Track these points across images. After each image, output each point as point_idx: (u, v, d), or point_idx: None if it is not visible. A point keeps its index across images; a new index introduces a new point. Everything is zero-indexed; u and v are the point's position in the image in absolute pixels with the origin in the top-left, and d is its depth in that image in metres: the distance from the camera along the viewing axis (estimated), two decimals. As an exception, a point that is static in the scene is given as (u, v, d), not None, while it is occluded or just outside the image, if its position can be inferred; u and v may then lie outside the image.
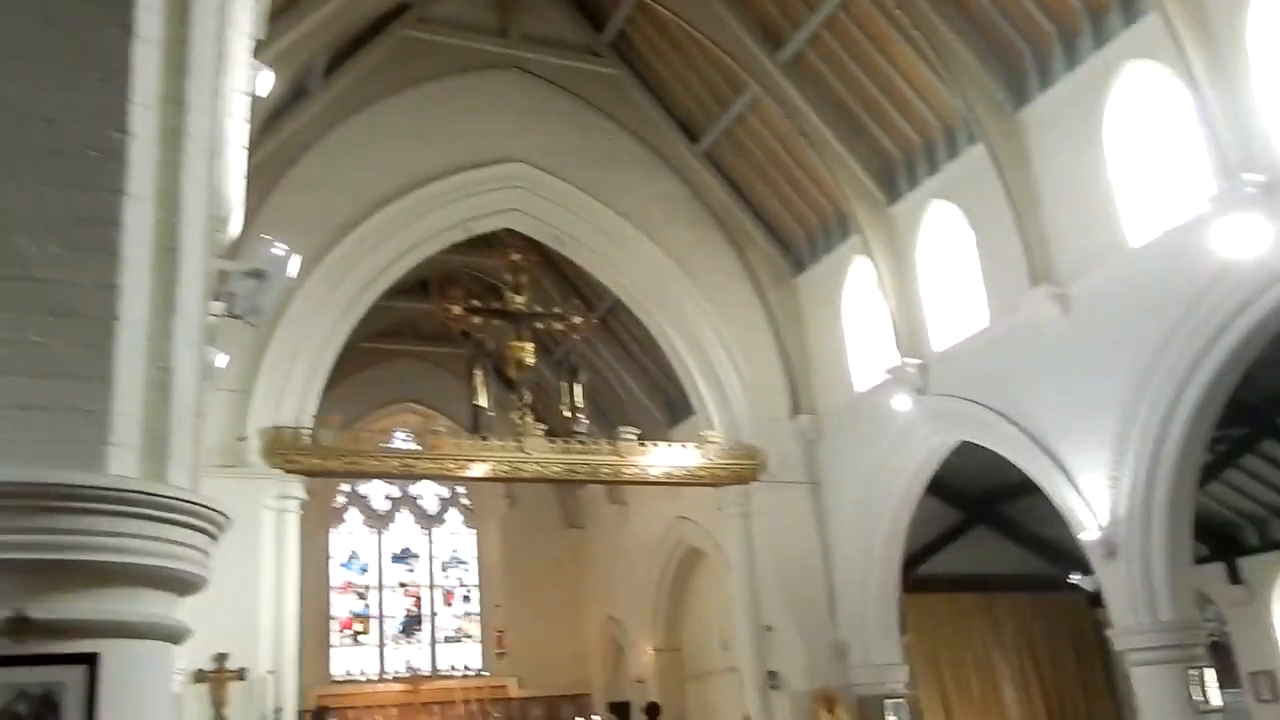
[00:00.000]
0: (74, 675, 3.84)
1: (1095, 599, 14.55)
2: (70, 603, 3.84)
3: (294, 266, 6.18)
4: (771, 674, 15.43)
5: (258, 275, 5.68)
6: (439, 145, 15.63)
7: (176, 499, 4.09)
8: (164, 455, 4.14)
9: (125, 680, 3.91)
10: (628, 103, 16.86)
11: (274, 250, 5.89)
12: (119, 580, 3.98)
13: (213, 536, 4.37)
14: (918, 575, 16.59)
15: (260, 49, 5.78)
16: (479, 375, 14.60)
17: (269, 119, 13.41)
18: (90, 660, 3.88)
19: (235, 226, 6.48)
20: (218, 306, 5.64)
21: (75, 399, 3.91)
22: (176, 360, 4.18)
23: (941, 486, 16.00)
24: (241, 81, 5.49)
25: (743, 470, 16.02)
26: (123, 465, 3.99)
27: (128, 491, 3.94)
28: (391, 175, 15.28)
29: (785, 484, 16.12)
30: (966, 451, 14.36)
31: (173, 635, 4.21)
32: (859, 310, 15.83)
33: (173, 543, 4.12)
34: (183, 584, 4.27)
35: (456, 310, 14.67)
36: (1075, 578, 13.15)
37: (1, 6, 3.87)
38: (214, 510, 4.28)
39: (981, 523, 17.41)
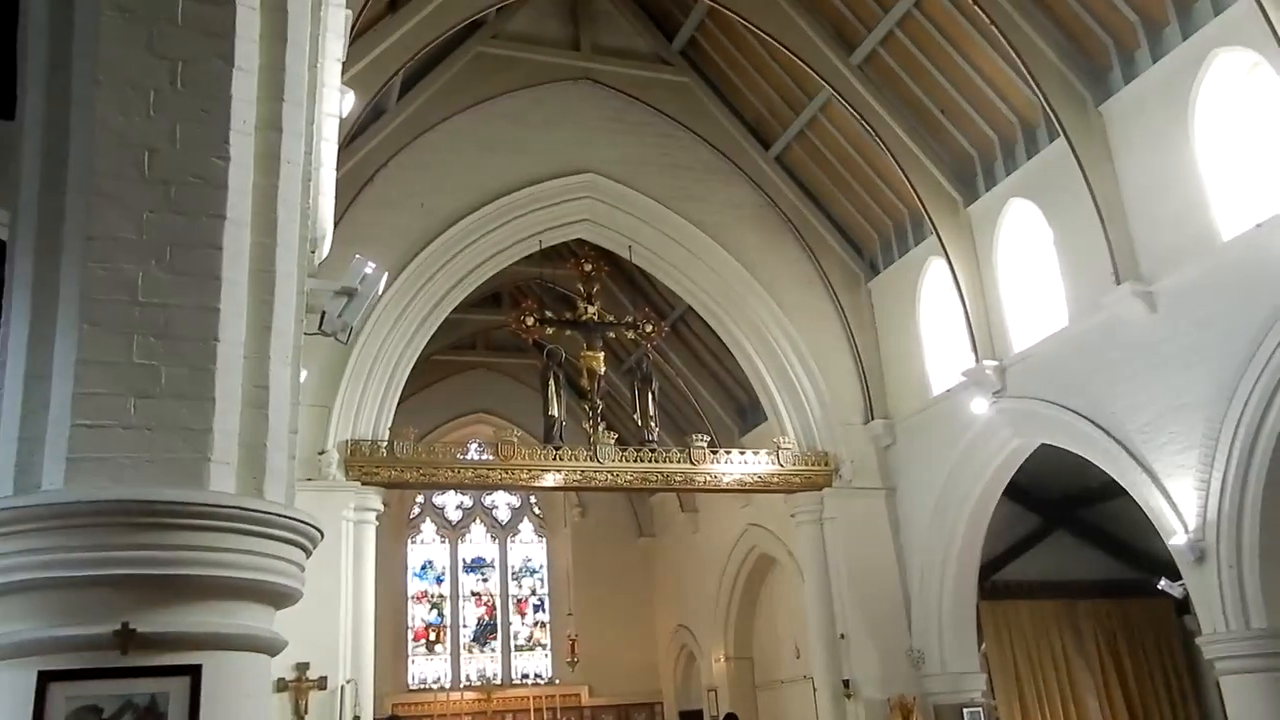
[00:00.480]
0: (177, 686, 3.97)
1: (1183, 606, 14.29)
2: (174, 616, 3.98)
3: (383, 284, 6.32)
4: (845, 683, 15.32)
5: (348, 293, 5.81)
6: (511, 158, 15.80)
7: (273, 514, 4.22)
8: (261, 471, 4.27)
9: (225, 690, 4.04)
10: (699, 110, 16.90)
11: (365, 268, 6.02)
12: (219, 594, 4.11)
13: (307, 550, 4.49)
14: (995, 581, 16.39)
15: (341, 71, 5.91)
16: (552, 385, 14.72)
17: (348, 139, 13.68)
18: (193, 671, 4.01)
19: (326, 247, 6.63)
20: (309, 324, 5.78)
21: (178, 418, 4.05)
22: (273, 379, 4.31)
23: (1020, 491, 15.81)
24: (332, 105, 5.63)
25: (816, 476, 15.97)
26: (222, 482, 4.12)
27: (227, 507, 4.08)
28: (465, 190, 15.47)
29: (859, 490, 16.03)
30: (1046, 454, 14.17)
31: (270, 647, 4.33)
32: (935, 312, 15.68)
33: (270, 556, 4.24)
34: (279, 597, 4.39)
35: (529, 321, 14.79)
36: (1162, 584, 12.89)
37: (109, 41, 4.03)
38: (309, 524, 4.40)
39: (1061, 527, 17.14)
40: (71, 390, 3.96)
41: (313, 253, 5.99)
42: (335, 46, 5.42)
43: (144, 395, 4.03)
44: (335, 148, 5.93)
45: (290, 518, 4.26)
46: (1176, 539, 11.49)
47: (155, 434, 4.03)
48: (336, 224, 8.83)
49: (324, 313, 5.92)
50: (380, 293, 6.45)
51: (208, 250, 4.10)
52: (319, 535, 4.47)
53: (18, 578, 3.88)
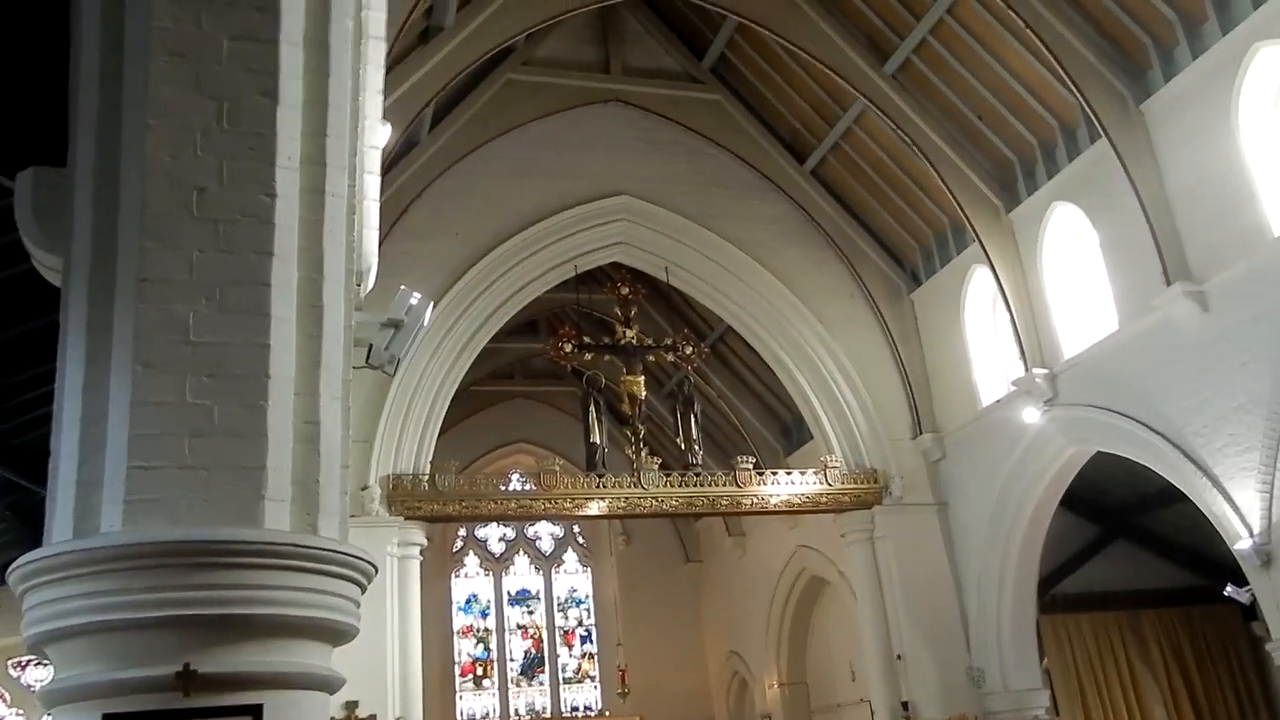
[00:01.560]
0: (240, 726, 4.02)
1: (1250, 611, 14.08)
2: (233, 656, 4.02)
3: (429, 315, 6.38)
4: (904, 705, 15.18)
5: (394, 325, 5.88)
6: (544, 183, 15.94)
7: (329, 550, 4.25)
8: (314, 507, 4.31)
9: (287, 729, 4.07)
10: (731, 127, 16.95)
11: (410, 299, 6.08)
12: (278, 632, 4.14)
13: (363, 586, 4.52)
14: (1055, 594, 16.19)
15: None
16: (592, 412, 14.76)
17: (382, 171, 13.86)
18: (255, 711, 4.04)
19: (371, 279, 6.71)
20: (356, 358, 5.85)
21: (231, 456, 4.10)
22: (324, 414, 4.36)
23: (1076, 500, 15.64)
24: (374, 138, 5.71)
25: (865, 494, 15.89)
26: (276, 519, 4.16)
27: (283, 545, 4.12)
28: (499, 217, 15.64)
29: (911, 506, 15.93)
30: (1102, 462, 14.03)
31: (329, 685, 4.36)
32: (980, 321, 15.61)
33: (326, 594, 4.27)
34: (336, 634, 4.42)
35: (567, 348, 14.87)
36: (1228, 590, 12.70)
37: (159, 84, 4.12)
38: (364, 560, 4.43)
39: (1121, 536, 16.93)
40: (127, 432, 4.02)
41: (358, 286, 6.06)
42: (375, 79, 5.50)
43: (198, 434, 4.08)
44: (378, 180, 6.00)
45: (345, 553, 4.29)
46: (1241, 543, 11.33)
47: (210, 473, 4.08)
48: (375, 257, 8.96)
49: (371, 346, 5.98)
50: (426, 324, 6.50)
51: (256, 287, 4.16)
52: (374, 570, 4.50)
53: (79, 621, 3.94)
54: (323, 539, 4.23)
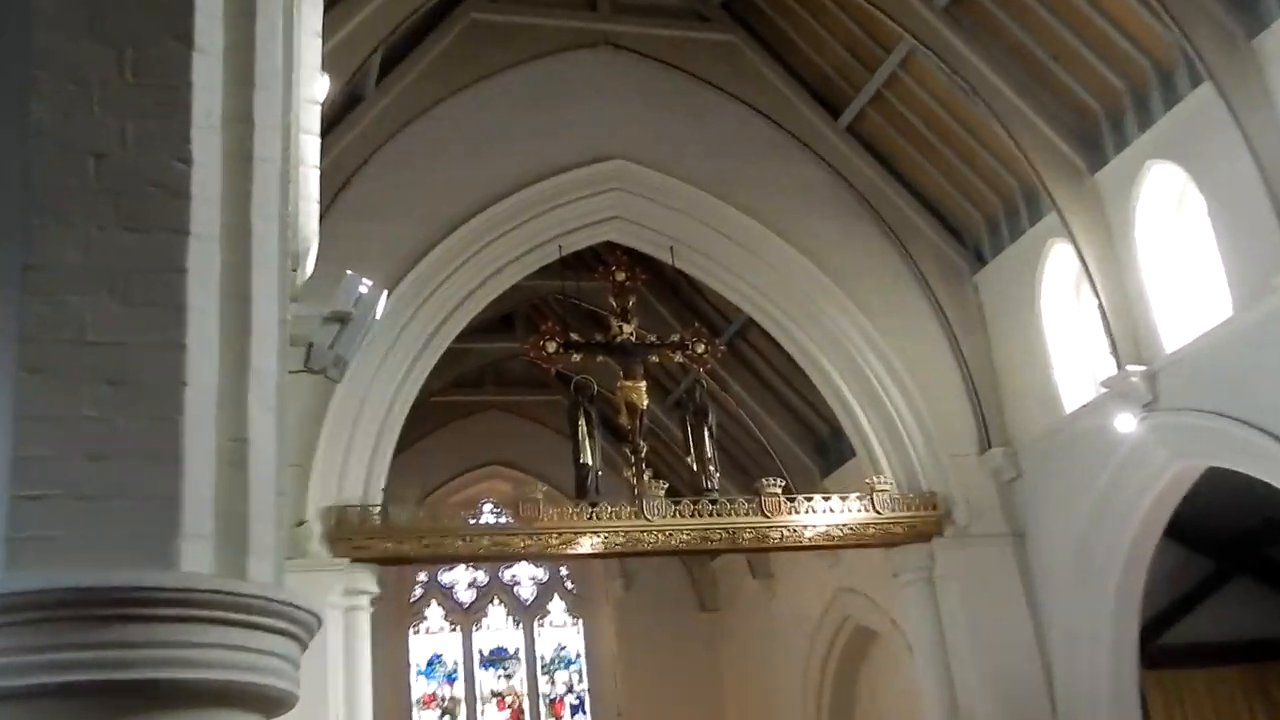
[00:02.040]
0: (152, 816, 4.02)
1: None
2: (145, 730, 4.01)
3: (382, 307, 6.40)
4: (977, 779, 15.24)
5: (340, 319, 5.88)
6: (519, 147, 16.00)
7: (260, 598, 4.23)
8: (243, 546, 4.31)
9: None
10: (749, 75, 17.01)
11: (360, 288, 6.09)
12: (198, 700, 4.12)
13: (303, 643, 4.51)
14: (1162, 645, 16.19)
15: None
16: (583, 426, 14.79)
17: (322, 132, 13.91)
18: (169, 798, 4.05)
19: (310, 264, 6.73)
20: (293, 360, 5.87)
21: (140, 484, 4.09)
22: (253, 429, 4.36)
23: (1185, 529, 15.63)
24: (313, 90, 5.74)
25: (923, 524, 15.92)
26: (196, 560, 4.15)
27: (203, 592, 4.10)
28: (463, 189, 15.69)
29: (978, 538, 15.95)
30: (1215, 481, 14.01)
31: (262, 765, 4.37)
32: (1061, 308, 15.64)
33: (258, 652, 4.25)
34: (270, 702, 4.40)
35: (551, 347, 14.90)
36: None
37: (42, 25, 4.12)
38: (305, 610, 4.42)
39: (1243, 573, 16.93)
40: (10, 454, 4.01)
41: (294, 271, 6.08)
42: (313, 19, 5.51)
43: (98, 457, 4.07)
44: (318, 142, 6.03)
45: (282, 603, 4.26)
46: (1390, 580, 11.35)
47: (112, 504, 4.07)
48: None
49: (311, 345, 5.98)
50: (379, 318, 6.52)
51: (169, 274, 4.14)
52: (316, 623, 4.49)
53: (-57, 690, 3.92)
54: (253, 584, 4.22)
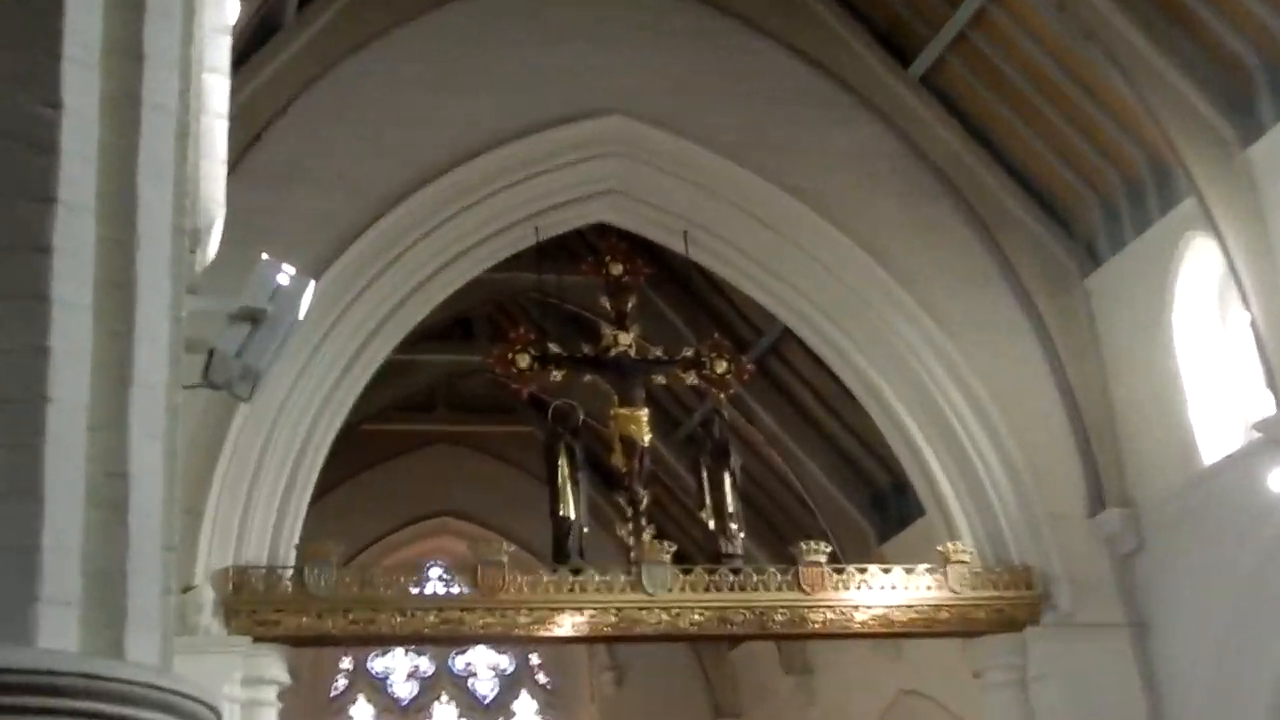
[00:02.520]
0: None
1: None
2: None
3: (306, 300, 6.39)
4: None
5: (252, 318, 5.87)
6: (485, 97, 16.00)
7: (142, 684, 4.23)
8: (120, 615, 4.32)
9: None
10: (792, 9, 17.03)
11: (279, 277, 6.09)
12: (58, 821, 4.14)
13: (196, 743, 4.53)
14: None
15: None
16: (563, 467, 14.78)
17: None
18: None
19: (214, 243, 6.73)
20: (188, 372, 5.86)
21: (-15, 529, 4.11)
22: (134, 461, 4.38)
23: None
24: (223, 15, 5.75)
25: (1012, 608, 15.85)
26: (58, 633, 4.16)
27: (66, 675, 4.09)
28: (411, 151, 15.69)
29: (1086, 628, 15.87)
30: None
31: None
32: (1200, 325, 15.60)
33: (139, 757, 4.27)
34: (154, 825, 4.42)
35: (523, 362, 14.91)
36: None
37: None
38: (198, 701, 4.42)
39: None
40: None
41: (192, 254, 6.07)
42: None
43: (-66, 494, 4.09)
44: (227, 84, 6.05)
45: (170, 690, 4.28)
46: None
47: (-50, 557, 4.09)
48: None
49: (212, 352, 5.97)
50: (300, 317, 6.50)
51: (29, 254, 4.17)
52: (214, 716, 4.51)
53: None
54: (132, 666, 4.23)
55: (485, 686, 25.08)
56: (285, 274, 6.17)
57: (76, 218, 4.24)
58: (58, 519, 4.14)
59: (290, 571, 14.39)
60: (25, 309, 4.16)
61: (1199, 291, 15.65)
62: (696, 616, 15.14)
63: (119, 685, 4.13)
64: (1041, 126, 16.67)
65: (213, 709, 4.45)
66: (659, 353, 15.78)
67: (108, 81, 4.36)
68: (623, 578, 14.87)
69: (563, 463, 14.82)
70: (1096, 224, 16.81)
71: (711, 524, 15.35)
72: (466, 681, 25.01)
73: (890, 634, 16.23)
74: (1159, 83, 14.69)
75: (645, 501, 15.19)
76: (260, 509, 14.54)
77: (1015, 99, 16.66)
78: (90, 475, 4.26)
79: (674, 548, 15.49)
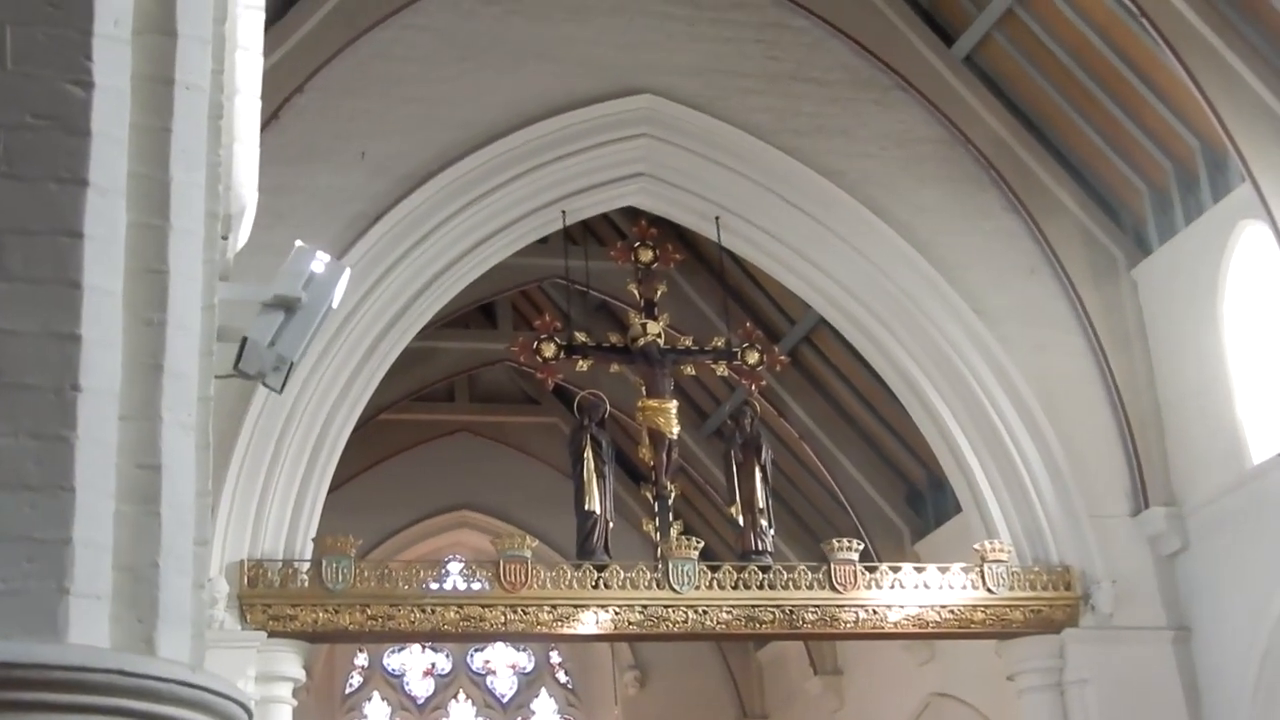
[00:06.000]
0: None
1: None
2: None
3: (341, 288, 6.38)
4: None
5: (286, 306, 5.86)
6: (511, 75, 16.02)
7: (175, 681, 4.25)
8: (152, 610, 4.34)
9: None
10: (828, -16, 17.04)
11: (314, 264, 6.08)
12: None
13: (228, 739, 4.56)
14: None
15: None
16: (589, 460, 14.79)
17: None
18: None
19: (246, 228, 6.74)
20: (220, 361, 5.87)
21: (14, 522, 4.12)
22: (167, 453, 4.39)
23: None
24: (254, -9, 5.76)
25: (1051, 609, 15.87)
26: (89, 628, 4.18)
27: (100, 672, 4.12)
28: (436, 129, 15.70)
29: (1127, 631, 15.91)
30: None
31: None
32: (1253, 318, 15.54)
33: (169, 754, 4.29)
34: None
35: (548, 351, 14.96)
36: None
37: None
38: (230, 699, 4.46)
39: None
40: None
41: (224, 239, 6.08)
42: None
43: (-45, 487, 4.11)
44: (259, 62, 6.05)
45: (202, 688, 4.30)
46: None
47: (-22, 551, 4.10)
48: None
49: (245, 340, 5.97)
50: (335, 305, 6.50)
51: (59, 239, 4.17)
52: (246, 715, 4.53)
53: None
54: (164, 663, 4.26)
55: (504, 685, 25.09)
56: (320, 261, 6.16)
57: (107, 202, 4.24)
58: (89, 513, 4.15)
59: (307, 565, 14.45)
60: (55, 294, 4.16)
61: (1251, 282, 15.60)
62: (724, 615, 15.17)
63: (150, 682, 4.14)
64: (1090, 110, 16.65)
65: (245, 707, 4.48)
66: (689, 342, 15.81)
67: (139, 61, 4.36)
68: (649, 574, 14.92)
69: (588, 456, 14.84)
70: (1145, 212, 16.79)
71: (741, 520, 15.38)
72: (485, 679, 25.02)
73: (924, 635, 16.27)
74: (1214, 64, 14.65)
75: (673, 496, 15.22)
76: (277, 501, 14.59)
77: (1063, 80, 16.64)
78: (121, 468, 4.26)
79: (701, 544, 15.50)
